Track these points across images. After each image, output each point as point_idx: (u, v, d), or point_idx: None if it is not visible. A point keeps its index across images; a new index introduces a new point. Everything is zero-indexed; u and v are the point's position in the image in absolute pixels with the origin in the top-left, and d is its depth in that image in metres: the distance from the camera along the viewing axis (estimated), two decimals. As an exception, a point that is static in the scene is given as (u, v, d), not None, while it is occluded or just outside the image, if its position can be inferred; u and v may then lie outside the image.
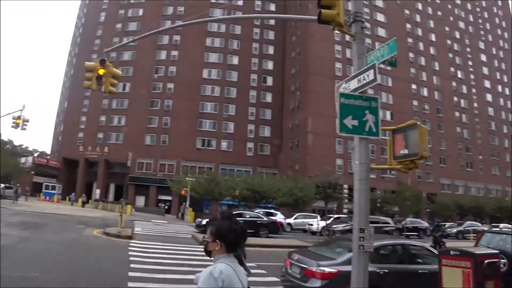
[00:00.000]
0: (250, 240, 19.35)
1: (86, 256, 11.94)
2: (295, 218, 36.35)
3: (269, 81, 64.10)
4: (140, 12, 65.00)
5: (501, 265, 9.94)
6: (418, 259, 8.03)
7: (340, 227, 26.43)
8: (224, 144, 59.59)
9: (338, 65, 56.89)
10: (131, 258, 11.40)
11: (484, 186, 65.41)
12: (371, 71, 5.29)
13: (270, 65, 65.07)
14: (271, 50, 65.74)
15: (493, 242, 10.97)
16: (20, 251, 11.44)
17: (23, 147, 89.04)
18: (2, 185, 42.92)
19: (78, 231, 18.77)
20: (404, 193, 45.98)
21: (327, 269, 6.73)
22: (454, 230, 37.37)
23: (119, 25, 64.97)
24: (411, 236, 32.01)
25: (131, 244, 14.66)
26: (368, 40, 54.62)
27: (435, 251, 7.88)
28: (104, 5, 68.00)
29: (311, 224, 31.66)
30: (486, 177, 66.27)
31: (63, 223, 21.82)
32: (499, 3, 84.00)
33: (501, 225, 46.66)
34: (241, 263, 2.29)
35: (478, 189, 64.62)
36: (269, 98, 63.37)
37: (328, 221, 30.60)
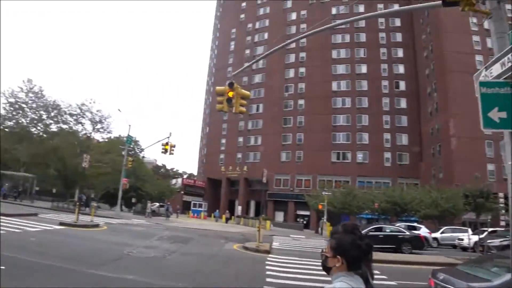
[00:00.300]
0: (392, 256, 18.58)
1: (225, 268, 12.72)
2: (442, 232, 32.88)
3: (402, 85, 60.30)
4: (266, 35, 68.35)
5: None
6: None
7: (496, 242, 23.03)
8: (359, 156, 57.84)
9: (479, 57, 50.38)
10: (267, 272, 11.70)
11: None
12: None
13: (401, 69, 61.35)
14: (400, 53, 61.98)
15: None
16: (168, 261, 12.71)
17: (174, 170, 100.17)
18: (157, 204, 49.34)
19: (220, 245, 20.01)
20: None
21: (479, 292, 5.75)
22: None
23: (248, 51, 69.35)
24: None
25: (268, 258, 15.05)
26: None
27: None
28: (232, 35, 73.87)
29: (461, 239, 28.42)
30: None
31: (207, 238, 23.58)
32: None
33: None
34: (367, 282, 2.03)
35: None
36: (403, 103, 59.52)
37: (482, 235, 26.78)
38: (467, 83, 47.11)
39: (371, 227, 23.84)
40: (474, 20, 51.58)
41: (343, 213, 42.51)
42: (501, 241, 22.75)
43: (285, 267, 13.24)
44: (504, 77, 4.44)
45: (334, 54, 63.17)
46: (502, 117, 4.24)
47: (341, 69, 62.33)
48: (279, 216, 57.52)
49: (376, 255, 18.38)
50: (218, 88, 12.84)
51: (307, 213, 53.02)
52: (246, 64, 17.25)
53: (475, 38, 51.29)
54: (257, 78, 66.36)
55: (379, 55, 62.11)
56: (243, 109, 12.72)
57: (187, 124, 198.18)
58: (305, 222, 52.82)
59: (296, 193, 54.80)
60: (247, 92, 13.59)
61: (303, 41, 63.67)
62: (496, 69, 4.61)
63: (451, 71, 49.63)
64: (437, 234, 32.21)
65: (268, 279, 10.57)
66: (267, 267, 12.83)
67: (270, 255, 16.41)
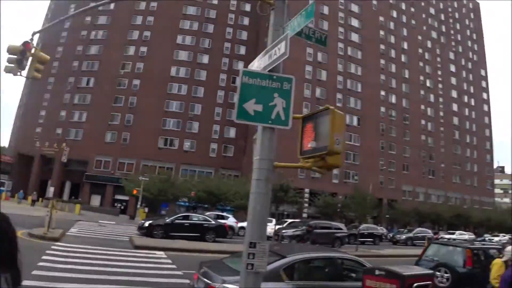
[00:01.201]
0: (194, 245, 18.50)
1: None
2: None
3: (238, 81, 63.34)
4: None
5: (444, 280, 9.70)
6: (346, 274, 6.80)
7: (289, 232, 25.38)
8: (187, 144, 58.67)
9: (309, 68, 56.67)
10: (40, 263, 10.36)
11: (444, 193, 66.34)
12: (283, 44, 4.25)
13: (240, 65, 64.17)
14: (243, 50, 64.96)
15: (439, 254, 10.71)
16: None
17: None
18: None
19: None
20: (360, 198, 45.99)
21: (230, 286, 5.42)
22: (404, 237, 37.51)
23: (88, 18, 62.72)
24: (366, 243, 31.93)
25: (52, 247, 13.64)
26: (340, 45, 54.93)
27: (368, 265, 6.82)
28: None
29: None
30: (447, 185, 67.26)
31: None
32: (471, 15, 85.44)
33: (457, 232, 47.54)
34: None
35: (438, 197, 65.54)
36: (236, 98, 62.58)
37: (281, 226, 29.33)
38: (296, 88, 52.55)
39: (178, 215, 23.91)
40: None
41: (160, 200, 42.52)
42: (294, 231, 25.16)
43: (68, 256, 12.09)
44: (269, 69, 4.34)
45: (179, 39, 62.33)
46: (258, 110, 4.04)
47: (183, 55, 61.96)
48: (96, 200, 54.12)
49: (178, 244, 18.31)
50: (10, 45, 10.15)
51: (126, 198, 51.04)
52: (56, 20, 14.84)
53: (309, 50, 57.05)
54: (94, 50, 60.91)
55: (222, 48, 63.82)
56: (38, 74, 10.87)
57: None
58: (122, 207, 51.13)
59: (117, 176, 52.30)
60: (46, 56, 11.64)
61: (150, 20, 61.19)
62: (265, 61, 4.52)
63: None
64: (245, 224, 34.48)
65: (35, 272, 9.17)
66: (45, 257, 11.46)
67: (57, 243, 14.95)
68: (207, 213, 29.40)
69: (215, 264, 6.73)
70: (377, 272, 5.65)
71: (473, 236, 50.69)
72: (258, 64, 4.75)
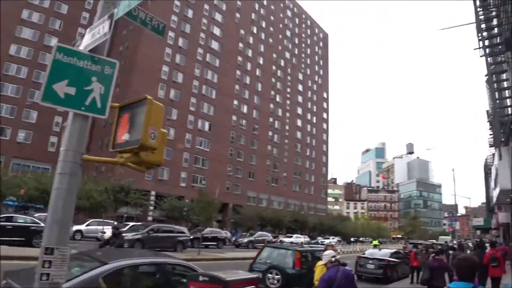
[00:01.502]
0: (16, 251, 15.71)
1: None
2: (87, 225, 32.57)
3: (50, 58, 58.53)
4: None
5: (275, 281, 10.03)
6: (177, 280, 6.36)
7: (129, 236, 23.48)
8: (21, 135, 52.16)
9: (166, 68, 55.96)
10: None
11: (285, 200, 72.69)
12: (107, 23, 3.69)
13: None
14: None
15: (271, 257, 11.10)
16: None
17: None
18: None
19: None
20: (205, 203, 46.53)
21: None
22: (245, 240, 39.11)
23: None
24: (210, 246, 32.65)
25: None
26: (200, 50, 55.05)
27: (199, 270, 6.40)
28: None
29: (104, 232, 26.97)
30: (288, 192, 73.94)
31: None
32: (321, 44, 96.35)
33: (294, 236, 52.17)
34: None
35: (279, 203, 71.39)
36: (86, 91, 58.15)
37: (124, 228, 27.23)
38: (150, 88, 51.32)
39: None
40: (172, 34, 56.77)
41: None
42: (133, 235, 23.63)
43: None
44: (89, 49, 3.74)
45: (24, 14, 55.19)
46: (70, 93, 3.42)
47: (27, 33, 55.16)
48: None
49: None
50: None
51: None
52: None
53: (168, 50, 56.23)
54: None
55: (75, 32, 58.29)
56: None
57: None
58: None
59: None
60: None
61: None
62: (87, 39, 3.86)
63: (139, 72, 52.06)
64: (82, 227, 31.83)
65: None
66: None
67: None
68: (37, 215, 26.12)
69: (23, 274, 5.46)
70: (201, 278, 5.48)
71: (308, 239, 56.18)
72: (82, 42, 4.06)
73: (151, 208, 50.04)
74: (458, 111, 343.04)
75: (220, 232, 37.99)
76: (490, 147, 40.66)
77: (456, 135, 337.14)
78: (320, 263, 6.61)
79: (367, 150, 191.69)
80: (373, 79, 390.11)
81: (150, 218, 49.92)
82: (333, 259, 5.75)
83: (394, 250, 19.40)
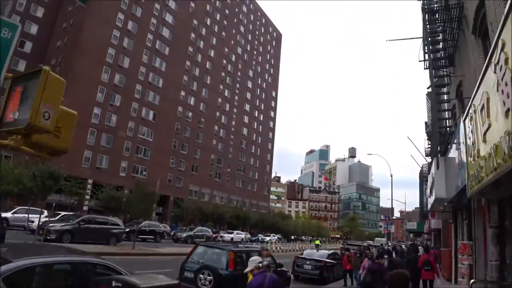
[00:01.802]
0: None
1: None
2: (14, 212, 29.65)
3: (28, 47, 54.62)
4: None
5: (207, 283, 9.17)
6: (96, 282, 5.33)
7: (57, 226, 22.06)
8: None
9: (112, 51, 53.21)
10: None
11: (227, 196, 72.31)
12: None
13: (34, 29, 55.67)
14: (40, 13, 56.42)
15: (205, 256, 10.22)
16: None
17: None
18: None
19: None
20: (142, 194, 44.78)
21: None
22: (184, 235, 38.00)
23: None
24: (148, 240, 31.14)
25: None
26: (150, 36, 52.80)
27: (124, 271, 5.64)
28: None
29: (32, 221, 24.97)
30: (230, 188, 73.62)
31: None
32: (273, 43, 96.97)
33: (235, 232, 51.86)
34: None
35: (221, 198, 70.89)
36: (22, 66, 54.06)
37: (50, 218, 24.53)
38: (92, 70, 48.59)
39: None
40: (121, 16, 54.13)
41: None
42: (62, 226, 22.07)
43: None
44: None
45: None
46: None
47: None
48: None
49: None
50: None
51: None
52: None
53: (116, 32, 53.52)
54: None
55: (15, 5, 54.06)
56: None
57: None
58: None
59: None
60: None
61: None
62: None
63: (82, 52, 49.13)
64: (8, 214, 28.94)
65: None
66: None
67: None
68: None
69: None
70: (113, 283, 4.94)
71: (249, 236, 56.39)
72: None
73: (87, 197, 47.51)
74: (400, 120, 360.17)
75: (158, 226, 36.64)
76: (426, 156, 42.91)
77: (396, 143, 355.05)
78: (247, 269, 5.97)
79: (311, 151, 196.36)
80: (322, 83, 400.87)
81: (86, 208, 47.47)
82: (260, 265, 5.33)
83: (331, 252, 19.40)
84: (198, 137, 66.26)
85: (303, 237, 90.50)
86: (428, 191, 15.85)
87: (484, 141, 4.87)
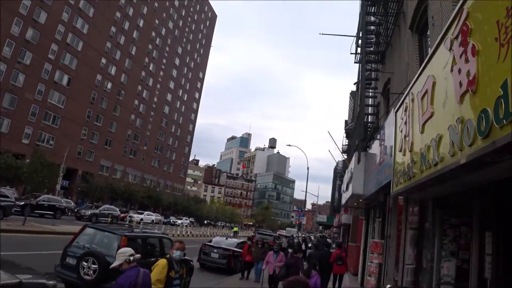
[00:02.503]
0: None
1: None
2: None
3: None
4: None
5: (91, 272, 7.24)
6: None
7: None
8: None
9: (27, 2, 46.68)
10: None
11: (141, 174, 69.35)
12: None
13: None
14: None
15: (94, 240, 8.45)
16: None
17: None
18: None
19: None
20: (40, 165, 40.13)
21: None
22: (89, 212, 35.12)
23: None
24: (46, 216, 28.08)
25: None
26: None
27: None
28: None
29: None
30: (146, 167, 70.70)
31: None
32: (207, 23, 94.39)
33: (145, 213, 49.71)
34: None
35: (135, 177, 67.78)
36: None
37: None
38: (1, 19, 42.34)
39: None
40: None
41: None
42: None
43: None
44: None
45: None
46: None
47: None
48: None
49: None
50: None
51: None
52: None
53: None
54: None
55: None
56: None
57: None
58: None
59: None
60: None
61: None
62: None
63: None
64: None
65: None
66: None
67: None
68: None
69: None
70: None
71: (160, 218, 54.55)
72: None
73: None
74: (323, 117, 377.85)
75: (59, 201, 33.24)
76: (343, 153, 44.69)
77: (316, 139, 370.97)
78: (163, 261, 5.07)
79: (233, 138, 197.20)
80: (252, 70, 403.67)
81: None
82: (131, 258, 4.30)
83: (241, 240, 18.71)
84: (115, 109, 62.17)
85: (218, 223, 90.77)
86: (344, 186, 15.94)
87: (422, 132, 4.45)
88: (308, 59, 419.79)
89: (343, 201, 17.05)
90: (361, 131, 10.36)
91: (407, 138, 5.19)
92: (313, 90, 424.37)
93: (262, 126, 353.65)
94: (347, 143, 39.35)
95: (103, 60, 59.07)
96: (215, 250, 16.00)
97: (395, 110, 6.37)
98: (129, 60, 64.89)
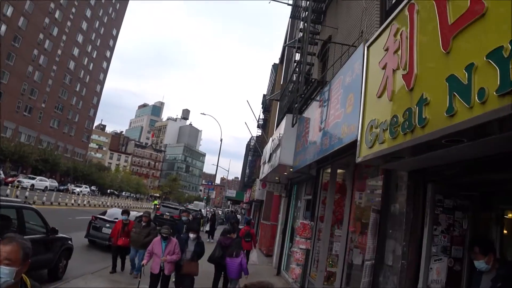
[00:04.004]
0: None
1: None
2: None
3: None
4: None
5: None
6: None
7: None
8: None
9: None
10: None
11: (37, 135, 61.86)
12: None
13: None
14: None
15: None
16: None
17: None
18: None
19: None
20: None
21: None
22: None
23: None
24: None
25: None
26: None
27: None
28: None
29: None
30: (43, 127, 63.20)
31: None
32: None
33: (38, 178, 44.10)
34: None
35: (29, 137, 60.15)
36: None
37: None
38: None
39: None
40: None
41: None
42: None
43: None
44: None
45: None
46: None
47: None
48: None
49: None
50: None
51: None
52: None
53: None
54: None
55: None
56: None
57: None
58: None
59: None
60: None
61: None
62: None
63: None
64: None
65: None
66: None
67: None
68: None
69: None
70: None
71: (55, 184, 49.32)
72: None
73: None
74: (241, 91, 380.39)
75: None
76: (257, 128, 44.05)
77: (233, 113, 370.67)
78: None
79: (144, 105, 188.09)
80: (176, 35, 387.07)
81: None
82: None
83: (140, 214, 15.33)
84: (10, 57, 53.54)
85: (122, 193, 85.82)
86: (265, 156, 14.30)
87: (449, 50, 2.83)
88: (227, 30, 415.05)
89: (261, 175, 15.69)
90: (301, 87, 8.91)
91: (403, 72, 3.64)
92: (232, 64, 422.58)
93: (176, 95, 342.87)
94: (263, 118, 38.70)
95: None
96: (108, 225, 12.85)
97: (366, 45, 4.86)
98: (30, 2, 56.07)
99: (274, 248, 15.25)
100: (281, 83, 26.65)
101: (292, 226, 12.39)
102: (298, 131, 9.27)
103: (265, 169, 14.09)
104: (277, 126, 13.16)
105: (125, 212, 10.87)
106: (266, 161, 13.54)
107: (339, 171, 7.74)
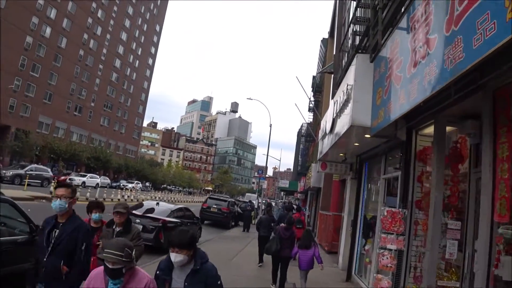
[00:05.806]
0: None
1: None
2: None
3: None
4: None
5: None
6: None
7: None
8: None
9: None
10: None
11: (88, 134, 63.01)
12: None
13: None
14: None
15: None
16: None
17: None
18: None
19: None
20: None
21: None
22: (11, 173, 29.72)
23: None
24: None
25: None
26: None
27: None
28: None
29: None
30: (93, 126, 64.24)
31: None
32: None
33: (88, 175, 44.39)
34: None
35: (80, 136, 61.38)
36: None
37: None
38: None
39: None
40: None
41: None
42: None
43: None
44: None
45: None
46: None
47: None
48: None
49: None
50: None
51: None
52: None
53: None
54: None
55: None
56: None
57: None
58: None
59: None
60: None
61: None
62: None
63: None
64: None
65: None
66: None
67: None
68: None
69: None
70: None
71: (107, 181, 50.02)
72: None
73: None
74: (289, 79, 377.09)
75: (46, 170, 31.43)
76: (309, 111, 40.84)
77: (282, 105, 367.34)
78: None
79: (194, 101, 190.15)
80: (216, 29, 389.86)
81: None
82: None
83: (178, 207, 13.72)
84: (57, 59, 54.48)
85: (175, 187, 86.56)
86: (326, 126, 10.88)
87: None
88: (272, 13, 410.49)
89: (319, 155, 12.75)
90: (371, 17, 6.10)
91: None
92: (282, 51, 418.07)
93: (223, 89, 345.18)
94: (314, 100, 35.51)
95: (40, 1, 50.88)
96: (138, 220, 11.27)
97: None
98: (72, 3, 56.67)
99: (340, 245, 12.36)
100: (333, 53, 23.47)
101: (364, 216, 9.66)
102: (376, 76, 6.38)
103: (324, 145, 11.14)
104: (339, 85, 9.82)
105: (96, 206, 5.40)
106: (327, 132, 10.37)
107: (448, 129, 4.94)
